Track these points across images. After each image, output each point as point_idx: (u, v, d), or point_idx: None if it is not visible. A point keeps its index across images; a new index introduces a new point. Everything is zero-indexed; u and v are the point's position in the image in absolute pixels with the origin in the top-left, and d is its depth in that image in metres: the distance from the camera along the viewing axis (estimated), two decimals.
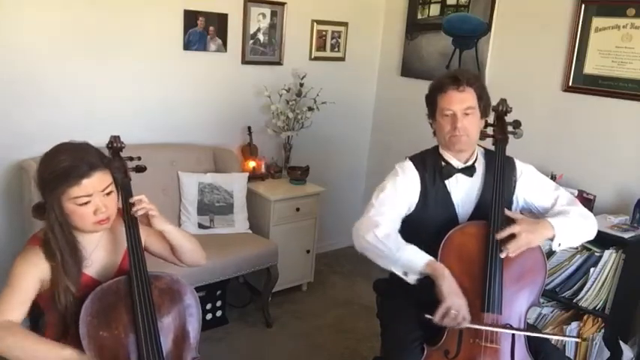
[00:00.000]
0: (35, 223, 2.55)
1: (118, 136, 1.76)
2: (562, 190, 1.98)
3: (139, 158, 1.78)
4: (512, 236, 1.74)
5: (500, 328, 1.72)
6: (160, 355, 1.53)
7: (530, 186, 1.97)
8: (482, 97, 1.90)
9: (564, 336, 1.89)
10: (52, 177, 1.45)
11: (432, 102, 1.93)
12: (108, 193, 1.53)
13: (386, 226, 1.82)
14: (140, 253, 1.60)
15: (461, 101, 1.85)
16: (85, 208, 1.49)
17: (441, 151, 1.97)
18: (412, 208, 1.94)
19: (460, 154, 1.93)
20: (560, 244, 1.81)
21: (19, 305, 1.47)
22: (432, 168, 1.95)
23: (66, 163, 1.45)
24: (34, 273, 1.50)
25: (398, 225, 1.90)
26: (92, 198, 1.48)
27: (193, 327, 1.65)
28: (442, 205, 1.93)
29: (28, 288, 1.49)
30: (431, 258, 1.74)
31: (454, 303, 1.65)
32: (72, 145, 1.53)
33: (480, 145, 2.02)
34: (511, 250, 1.74)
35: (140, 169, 1.78)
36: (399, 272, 1.77)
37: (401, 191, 1.92)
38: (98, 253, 1.63)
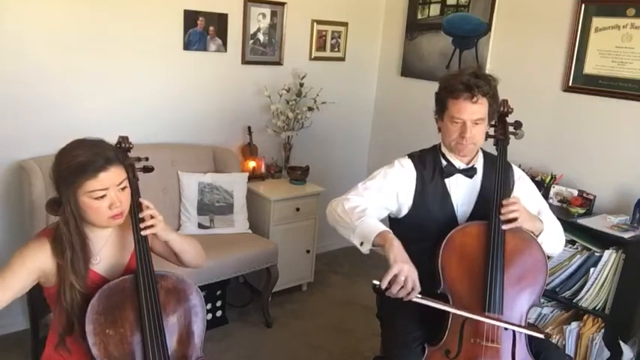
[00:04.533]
0: (35, 223, 2.57)
1: (127, 137, 1.76)
2: (546, 203, 2.04)
3: (147, 159, 1.78)
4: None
5: (490, 319, 1.69)
6: (165, 354, 1.54)
7: (524, 190, 1.99)
8: (493, 105, 1.87)
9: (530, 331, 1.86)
10: (68, 171, 1.47)
11: (441, 103, 1.89)
12: (123, 188, 1.54)
13: (357, 201, 1.84)
14: (147, 253, 1.61)
15: (473, 112, 1.81)
16: (101, 202, 1.49)
17: (443, 150, 1.97)
18: (407, 209, 1.94)
19: (464, 157, 1.94)
20: (542, 243, 1.84)
21: (3, 288, 1.45)
22: (432, 166, 1.95)
23: (83, 158, 1.46)
24: (34, 262, 1.50)
25: (380, 214, 1.90)
26: (108, 192, 1.50)
27: (198, 327, 1.66)
28: (441, 203, 1.93)
29: (20, 275, 1.48)
30: (385, 229, 1.74)
31: (402, 269, 1.61)
32: (88, 140, 1.54)
33: None
34: (508, 211, 1.75)
35: (148, 170, 1.78)
36: (356, 242, 1.76)
37: (390, 181, 1.92)
38: (106, 250, 1.64)
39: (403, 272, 1.60)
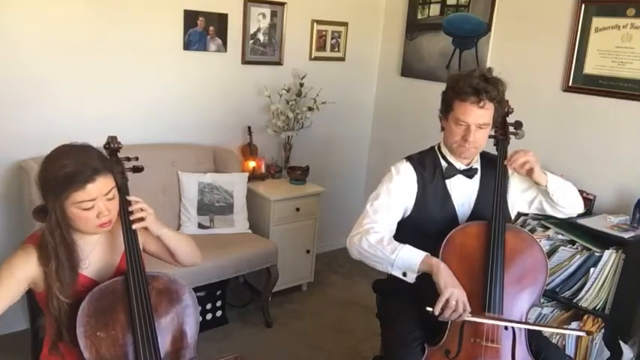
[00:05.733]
0: (34, 223, 2.55)
1: (115, 137, 1.75)
2: None
3: (137, 158, 1.77)
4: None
5: (506, 321, 1.71)
6: (158, 355, 1.53)
7: (520, 181, 2.00)
8: (499, 110, 1.86)
9: (571, 329, 1.99)
10: (55, 182, 1.44)
11: (447, 103, 1.87)
12: (111, 197, 1.52)
13: (378, 231, 1.82)
14: (137, 254, 1.59)
15: (478, 116, 1.80)
16: (89, 212, 1.47)
17: (443, 151, 1.96)
18: (409, 210, 1.94)
19: (464, 159, 1.94)
20: (554, 191, 1.89)
21: None
22: (432, 167, 1.95)
23: (70, 169, 1.43)
24: (22, 273, 1.49)
25: (393, 229, 1.90)
26: (95, 202, 1.47)
27: (191, 327, 1.65)
28: (441, 204, 1.93)
29: (8, 286, 1.47)
30: (425, 254, 1.74)
31: (452, 293, 1.64)
32: (74, 148, 1.51)
33: None
34: (516, 158, 1.82)
35: (137, 170, 1.76)
36: (398, 274, 1.76)
37: (395, 196, 1.90)
38: (96, 253, 1.62)
39: (454, 296, 1.64)
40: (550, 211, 2.00)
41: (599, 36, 2.89)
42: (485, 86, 1.77)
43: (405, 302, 1.93)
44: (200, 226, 3.10)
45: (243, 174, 3.29)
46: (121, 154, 1.75)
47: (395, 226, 1.92)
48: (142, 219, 1.60)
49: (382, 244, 1.77)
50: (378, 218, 1.86)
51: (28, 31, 2.68)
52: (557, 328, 1.97)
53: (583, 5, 2.93)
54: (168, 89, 3.21)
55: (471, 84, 1.78)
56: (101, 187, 1.47)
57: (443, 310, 1.64)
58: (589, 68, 2.95)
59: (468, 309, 1.65)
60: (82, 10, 2.81)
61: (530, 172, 1.86)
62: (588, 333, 1.82)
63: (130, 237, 1.60)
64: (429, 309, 1.65)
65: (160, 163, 3.01)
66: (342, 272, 3.92)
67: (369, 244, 1.79)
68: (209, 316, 3.05)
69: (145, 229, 1.63)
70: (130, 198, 1.61)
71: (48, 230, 1.48)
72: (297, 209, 3.36)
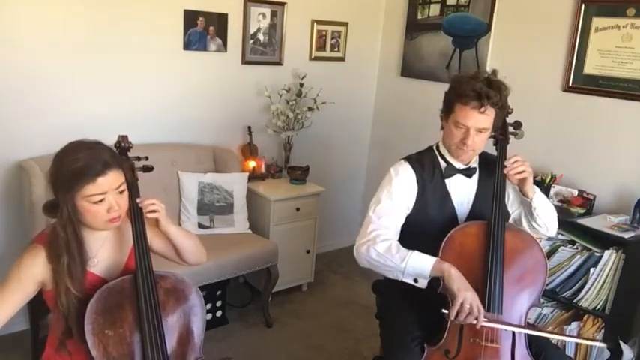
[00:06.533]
0: (35, 223, 2.57)
1: (126, 136, 1.76)
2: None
3: (146, 158, 1.79)
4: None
5: (522, 328, 1.72)
6: (165, 354, 1.54)
7: (511, 186, 1.99)
8: (500, 114, 1.85)
9: (595, 341, 2.06)
10: (67, 175, 1.46)
11: (449, 104, 1.86)
12: (121, 192, 1.53)
13: (385, 239, 1.81)
14: (146, 253, 1.60)
15: (478, 121, 1.79)
16: (99, 206, 1.49)
17: (442, 151, 1.96)
18: (409, 210, 1.93)
19: (462, 161, 1.93)
20: (536, 206, 1.90)
21: (3, 304, 1.49)
22: (431, 167, 1.95)
23: (81, 162, 1.46)
24: (30, 275, 1.50)
25: (398, 233, 1.90)
26: (106, 196, 1.49)
27: (197, 327, 1.67)
28: (441, 204, 1.93)
29: (18, 289, 1.50)
30: (435, 259, 1.73)
31: (466, 297, 1.64)
32: (86, 143, 1.53)
33: None
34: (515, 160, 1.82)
35: (147, 169, 1.78)
36: (409, 281, 1.76)
37: (397, 199, 1.90)
38: (104, 251, 1.63)
39: (467, 300, 1.64)
40: (525, 226, 2.00)
41: (599, 36, 2.89)
42: (487, 91, 1.75)
43: (405, 303, 1.93)
44: (200, 226, 3.10)
45: (243, 174, 3.29)
46: (130, 154, 1.76)
47: (399, 229, 1.91)
48: (154, 211, 1.63)
49: (391, 253, 1.76)
50: (383, 224, 1.85)
51: (28, 31, 2.68)
52: (582, 338, 2.03)
53: (583, 5, 2.93)
54: (168, 89, 3.21)
55: (474, 88, 1.76)
56: (112, 181, 1.50)
57: (458, 313, 1.64)
58: (589, 68, 2.95)
59: (482, 311, 1.65)
60: (82, 10, 2.81)
61: (522, 182, 1.86)
62: (610, 342, 1.84)
63: (140, 236, 1.61)
64: (445, 311, 1.66)
65: (160, 163, 3.00)
66: (342, 272, 3.92)
67: (378, 253, 1.78)
68: (209, 316, 3.05)
69: (157, 221, 1.65)
70: (147, 202, 1.63)
71: (60, 225, 1.50)
72: (297, 209, 3.36)
